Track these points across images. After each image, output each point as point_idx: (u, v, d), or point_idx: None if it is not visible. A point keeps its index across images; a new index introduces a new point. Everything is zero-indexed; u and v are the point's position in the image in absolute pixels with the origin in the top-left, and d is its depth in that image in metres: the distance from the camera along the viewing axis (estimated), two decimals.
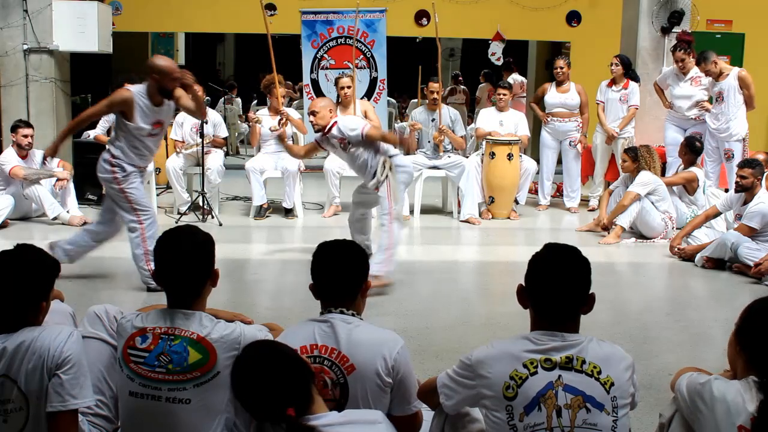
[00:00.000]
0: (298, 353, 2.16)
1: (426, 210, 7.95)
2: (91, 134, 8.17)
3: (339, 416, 2.08)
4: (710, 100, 7.82)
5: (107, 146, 5.06)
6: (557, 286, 2.19)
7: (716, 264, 5.88)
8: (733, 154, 7.35)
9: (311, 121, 5.40)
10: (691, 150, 7.18)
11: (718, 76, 7.45)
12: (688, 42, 7.97)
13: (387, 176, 5.20)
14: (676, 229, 6.77)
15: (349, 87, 7.69)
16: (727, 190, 7.00)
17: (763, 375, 2.08)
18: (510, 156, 7.65)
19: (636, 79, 8.11)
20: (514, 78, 11.77)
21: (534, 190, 8.61)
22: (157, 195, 8.01)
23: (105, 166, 4.99)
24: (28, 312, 2.30)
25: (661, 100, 8.07)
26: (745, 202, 5.99)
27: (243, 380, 2.10)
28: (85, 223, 7.08)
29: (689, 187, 7.17)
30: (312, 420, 2.03)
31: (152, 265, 4.82)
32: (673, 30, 8.58)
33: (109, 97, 4.95)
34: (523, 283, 2.28)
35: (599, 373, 2.11)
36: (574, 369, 2.10)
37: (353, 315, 2.48)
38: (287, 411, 2.01)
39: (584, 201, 8.51)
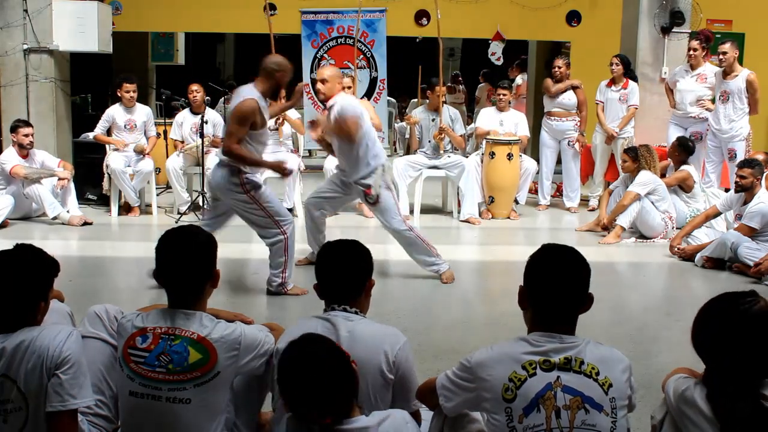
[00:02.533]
0: (350, 360, 2.08)
1: (426, 210, 7.95)
2: (91, 135, 8.17)
3: (370, 420, 2.05)
4: (713, 101, 7.83)
5: (229, 165, 4.64)
6: (556, 287, 2.18)
7: (716, 264, 5.89)
8: (736, 154, 7.35)
9: (317, 89, 5.18)
10: (684, 149, 7.20)
11: (726, 74, 7.46)
12: (708, 37, 7.98)
13: (380, 187, 5.12)
14: (676, 228, 6.77)
15: (349, 87, 7.67)
16: (728, 190, 7.00)
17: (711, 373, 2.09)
18: (510, 156, 7.65)
19: (635, 79, 8.12)
20: (523, 78, 11.77)
21: (534, 190, 8.61)
22: (157, 195, 8.01)
23: (235, 187, 4.65)
24: (27, 312, 2.30)
25: (669, 100, 8.08)
26: (745, 202, 6.00)
27: (291, 376, 2.00)
28: (85, 223, 7.09)
29: (685, 185, 7.17)
30: (346, 425, 2.01)
31: (288, 274, 4.77)
32: (673, 30, 8.58)
33: (238, 113, 4.53)
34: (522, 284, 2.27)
35: (597, 374, 2.11)
36: (573, 370, 2.10)
37: (356, 313, 2.48)
38: (326, 419, 1.98)
39: (584, 201, 8.51)
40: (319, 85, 5.17)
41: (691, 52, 7.78)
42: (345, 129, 4.99)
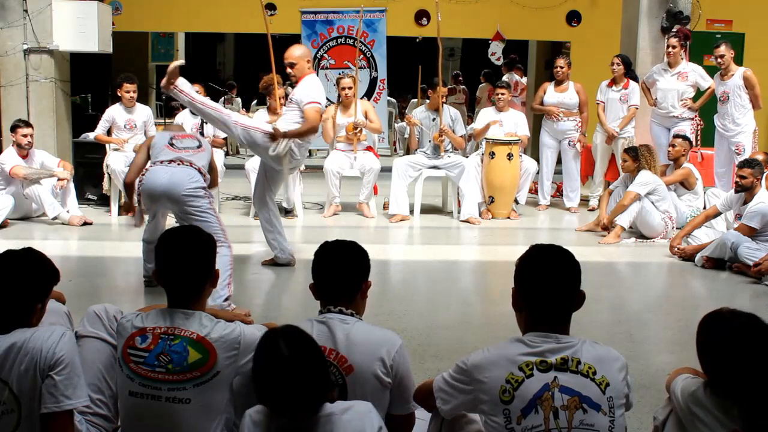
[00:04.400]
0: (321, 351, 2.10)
1: (426, 210, 7.95)
2: (91, 135, 8.17)
3: (334, 407, 2.08)
4: (694, 99, 7.85)
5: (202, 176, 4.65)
6: (547, 287, 2.18)
7: (716, 264, 5.88)
8: (744, 149, 7.36)
9: (288, 73, 5.28)
10: (690, 143, 7.30)
11: (723, 75, 7.50)
12: (686, 35, 8.01)
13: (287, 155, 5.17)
14: (676, 228, 6.78)
15: (350, 88, 7.70)
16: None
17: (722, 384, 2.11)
18: (510, 156, 7.65)
19: (636, 79, 8.13)
20: (510, 77, 11.77)
21: (534, 190, 8.61)
22: None
23: (202, 193, 4.63)
24: (21, 313, 2.29)
25: (647, 98, 8.11)
26: (745, 202, 6.00)
27: (271, 371, 2.02)
28: (85, 223, 7.09)
29: (687, 182, 7.19)
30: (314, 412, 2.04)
31: (231, 288, 4.52)
32: (673, 30, 8.59)
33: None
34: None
35: (594, 373, 2.11)
36: (570, 370, 2.10)
37: (352, 315, 2.48)
38: (302, 413, 2.01)
39: (584, 201, 8.51)
40: (288, 70, 5.26)
41: (670, 50, 7.81)
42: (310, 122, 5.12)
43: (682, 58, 7.90)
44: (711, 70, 8.04)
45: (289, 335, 2.08)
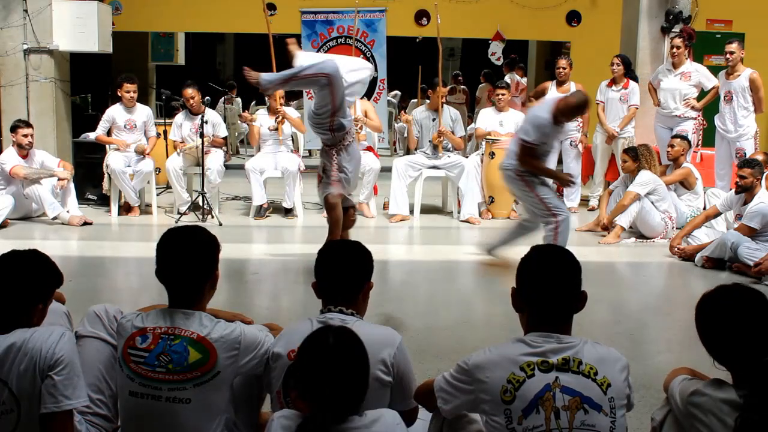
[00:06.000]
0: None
1: (426, 210, 7.95)
2: (91, 135, 8.17)
3: (362, 420, 2.04)
4: (698, 98, 7.85)
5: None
6: (548, 288, 2.18)
7: (716, 264, 5.88)
8: (745, 153, 7.34)
9: None
10: (689, 143, 7.30)
11: (729, 74, 7.50)
12: (690, 35, 8.00)
13: None
14: (676, 228, 6.78)
15: None
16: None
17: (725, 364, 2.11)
18: None
19: (635, 79, 8.13)
20: (511, 77, 11.77)
21: None
22: (157, 195, 8.01)
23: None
24: (22, 314, 2.29)
25: (652, 98, 8.11)
26: (745, 202, 6.00)
27: (317, 363, 2.01)
28: (85, 223, 7.09)
29: (687, 182, 7.20)
30: (342, 423, 2.00)
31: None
32: (673, 30, 8.59)
33: None
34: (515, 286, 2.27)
35: (595, 374, 2.11)
36: (571, 370, 2.10)
37: (352, 314, 2.47)
38: (339, 415, 2.00)
39: (584, 201, 8.51)
40: None
41: (674, 50, 7.81)
42: None
43: (686, 58, 7.89)
44: (712, 70, 8.05)
45: (338, 330, 2.09)
